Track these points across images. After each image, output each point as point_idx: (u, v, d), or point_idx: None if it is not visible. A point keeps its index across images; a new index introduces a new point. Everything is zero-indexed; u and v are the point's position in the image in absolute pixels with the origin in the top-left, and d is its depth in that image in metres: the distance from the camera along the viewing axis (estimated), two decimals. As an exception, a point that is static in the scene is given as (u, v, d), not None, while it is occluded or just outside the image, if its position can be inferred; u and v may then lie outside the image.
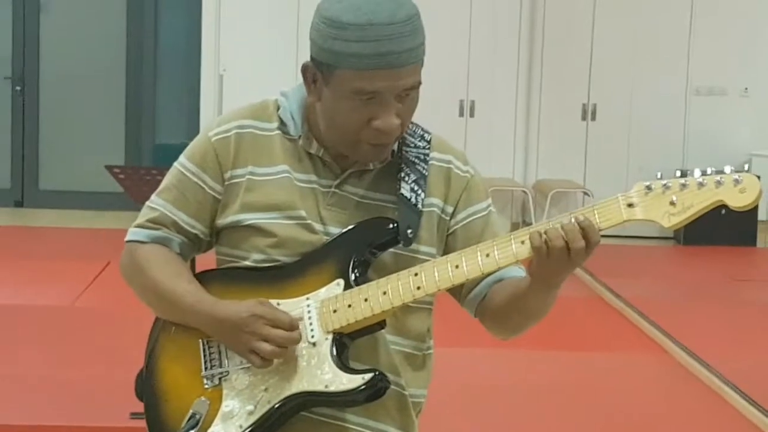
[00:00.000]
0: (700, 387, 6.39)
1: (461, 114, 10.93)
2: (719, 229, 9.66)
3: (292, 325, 2.14)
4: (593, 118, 10.91)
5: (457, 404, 5.59)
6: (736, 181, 2.07)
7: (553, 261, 2.06)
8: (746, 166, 10.56)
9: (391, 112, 2.14)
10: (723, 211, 2.19)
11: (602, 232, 2.09)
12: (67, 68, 11.65)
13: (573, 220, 2.06)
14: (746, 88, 11.03)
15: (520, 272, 2.23)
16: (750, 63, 11.05)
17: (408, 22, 2.12)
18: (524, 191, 10.89)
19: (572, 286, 8.10)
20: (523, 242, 2.12)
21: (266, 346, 2.13)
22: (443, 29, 10.27)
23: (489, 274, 2.20)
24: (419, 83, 2.17)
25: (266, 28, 11.16)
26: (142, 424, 2.33)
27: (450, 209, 2.30)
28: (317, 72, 2.16)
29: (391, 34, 2.09)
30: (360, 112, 2.14)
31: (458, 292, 2.28)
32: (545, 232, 2.06)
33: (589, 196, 10.27)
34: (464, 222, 2.30)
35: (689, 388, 6.41)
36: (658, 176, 2.11)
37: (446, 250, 2.27)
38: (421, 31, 2.15)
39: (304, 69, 2.19)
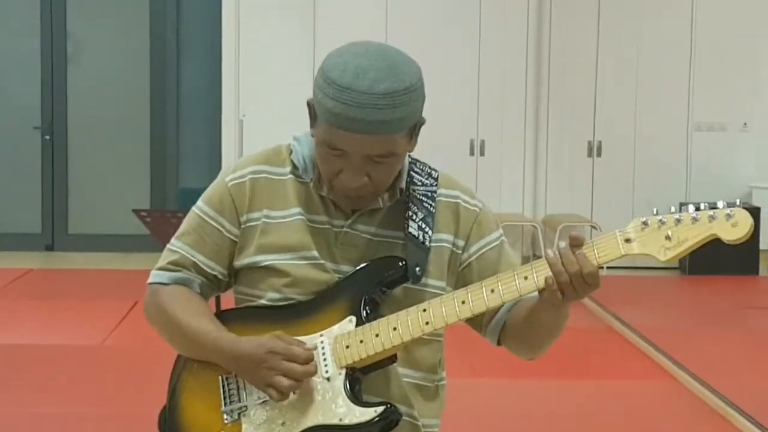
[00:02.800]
0: (710, 413, 6.35)
1: (472, 153, 10.92)
2: (722, 258, 9.64)
3: (307, 359, 2.14)
4: (599, 155, 10.90)
5: (468, 427, 5.58)
6: (728, 216, 2.08)
7: (563, 291, 2.09)
8: (748, 198, 10.59)
9: (355, 172, 2.16)
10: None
11: (603, 265, 2.11)
12: (93, 117, 11.66)
13: (562, 251, 2.09)
14: (745, 124, 11.03)
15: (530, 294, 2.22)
16: (748, 100, 11.04)
17: (387, 95, 2.10)
18: (534, 225, 10.87)
19: (582, 316, 8.15)
20: (526, 278, 2.13)
21: (284, 381, 2.13)
22: (454, 73, 10.30)
23: (495, 309, 2.21)
24: (393, 153, 2.16)
25: (283, 75, 11.17)
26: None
27: (461, 243, 2.31)
28: (312, 111, 2.18)
29: (364, 103, 2.09)
30: (332, 162, 2.17)
31: (478, 323, 2.29)
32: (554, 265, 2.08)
33: (596, 229, 10.24)
34: (478, 254, 2.31)
35: (699, 414, 6.38)
36: (654, 212, 2.12)
37: (464, 282, 2.27)
38: (407, 106, 2.13)
39: (308, 104, 2.21)
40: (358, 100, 2.08)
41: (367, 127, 2.10)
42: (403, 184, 2.28)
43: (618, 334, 8.25)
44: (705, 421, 6.23)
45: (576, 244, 2.09)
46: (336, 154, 2.14)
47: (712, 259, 9.63)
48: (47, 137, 11.66)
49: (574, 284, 2.07)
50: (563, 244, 2.12)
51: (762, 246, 10.01)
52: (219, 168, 10.34)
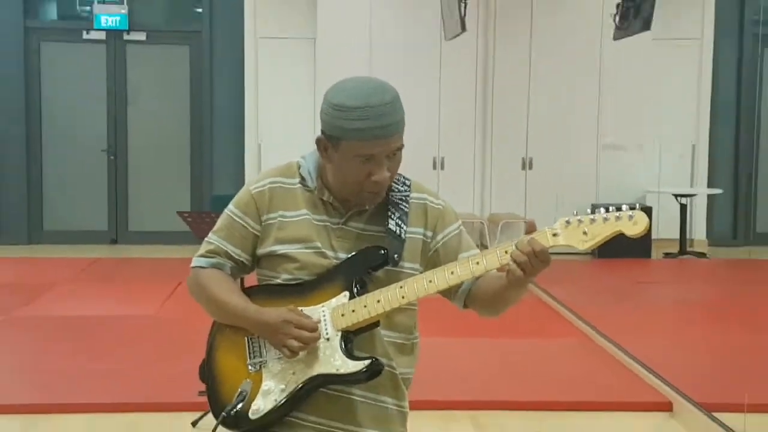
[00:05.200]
0: (612, 360, 6.40)
1: (435, 168, 10.95)
2: (623, 245, 9.65)
3: (313, 328, 2.15)
4: (530, 168, 10.94)
5: (437, 377, 5.58)
6: (630, 217, 2.10)
7: (520, 273, 2.11)
8: (643, 200, 10.64)
9: (383, 169, 2.17)
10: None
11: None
12: (146, 142, 11.69)
13: (515, 246, 2.10)
14: (641, 145, 11.08)
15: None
16: (642, 128, 11.09)
17: (392, 102, 2.14)
18: (481, 222, 10.89)
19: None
20: (478, 263, 2.15)
21: (295, 343, 2.15)
22: (420, 105, 10.30)
23: (454, 286, 2.21)
24: (402, 146, 2.19)
25: (290, 112, 11.24)
26: (205, 399, 2.33)
27: (430, 233, 2.31)
28: (328, 143, 2.18)
29: (382, 113, 2.11)
30: (361, 169, 2.16)
31: (448, 294, 2.29)
32: (519, 251, 2.09)
33: (526, 224, 10.29)
34: (443, 241, 2.31)
35: (604, 361, 6.42)
36: (575, 213, 2.13)
37: (434, 263, 2.27)
38: (402, 108, 2.17)
39: (318, 141, 2.21)
40: (378, 112, 2.11)
41: (388, 130, 2.13)
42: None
43: (545, 304, 8.28)
44: (608, 366, 6.27)
45: (530, 230, 2.12)
46: (365, 160, 2.14)
47: (615, 246, 9.61)
48: (112, 157, 11.66)
49: (531, 262, 2.08)
50: (528, 238, 2.12)
51: (653, 236, 10.05)
52: (243, 180, 10.39)
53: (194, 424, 4.97)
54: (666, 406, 5.50)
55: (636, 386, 5.86)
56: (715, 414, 5.03)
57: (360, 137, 2.12)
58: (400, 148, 2.19)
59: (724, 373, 5.95)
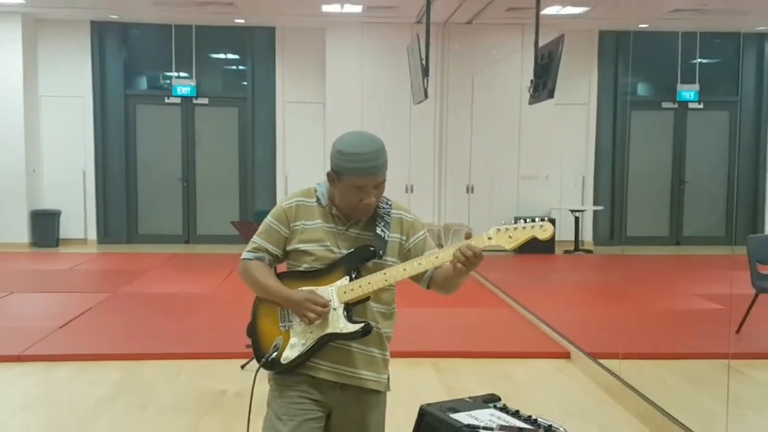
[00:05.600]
0: (530, 325, 6.40)
1: (407, 191, 10.95)
2: (536, 246, 9.65)
3: (325, 304, 2.14)
4: (472, 192, 10.94)
5: (409, 335, 5.59)
6: (541, 225, 2.09)
7: (463, 265, 2.09)
8: (549, 214, 10.66)
9: (371, 196, 2.14)
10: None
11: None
12: (209, 174, 11.65)
13: (465, 246, 2.09)
14: (547, 176, 11.11)
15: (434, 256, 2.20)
16: (548, 163, 11.12)
17: (378, 150, 2.11)
18: (439, 229, 10.89)
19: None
20: (437, 257, 2.14)
21: (312, 315, 2.13)
22: (398, 148, 10.31)
23: (421, 273, 2.21)
24: (385, 179, 2.17)
25: (307, 152, 11.23)
26: (251, 350, 2.33)
27: (405, 238, 2.28)
28: (334, 176, 2.17)
29: (370, 158, 2.09)
30: (356, 195, 2.14)
31: (417, 278, 2.26)
32: (461, 253, 2.06)
33: (470, 232, 10.26)
34: (413, 243, 2.28)
35: (524, 326, 6.42)
36: (503, 223, 2.13)
37: (407, 258, 2.23)
38: (385, 154, 2.14)
39: (328, 174, 2.20)
40: (367, 157, 2.09)
41: (374, 170, 2.10)
42: (374, 209, 2.28)
43: (483, 285, 8.30)
44: (526, 327, 6.27)
45: (468, 236, 2.12)
46: (358, 190, 2.12)
47: (530, 246, 9.61)
48: (185, 183, 11.59)
49: (470, 260, 2.07)
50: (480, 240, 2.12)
51: (556, 239, 10.06)
52: (275, 201, 10.39)
53: (242, 367, 4.97)
54: (566, 355, 5.51)
55: (544, 340, 5.88)
56: (600, 360, 5.05)
57: (354, 174, 2.10)
58: (383, 182, 2.17)
59: (605, 331, 5.98)
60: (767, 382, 4.86)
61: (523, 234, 2.11)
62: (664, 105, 11.42)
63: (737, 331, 5.43)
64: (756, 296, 5.49)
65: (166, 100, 11.56)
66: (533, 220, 2.10)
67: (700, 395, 4.60)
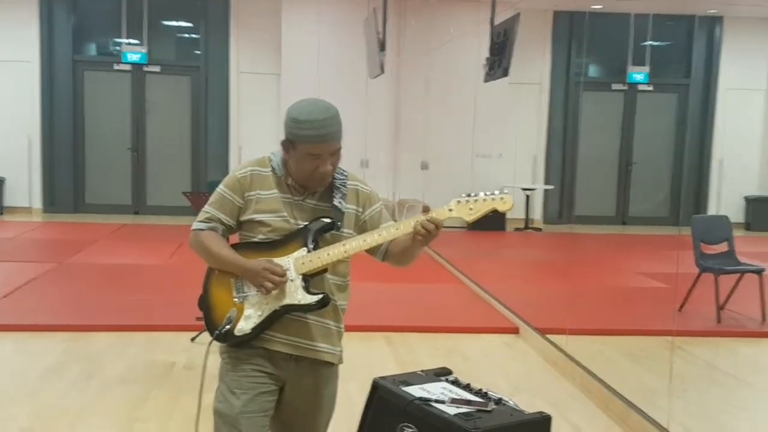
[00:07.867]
0: (479, 299, 6.46)
1: (362, 166, 10.91)
2: (488, 222, 9.74)
3: (282, 274, 2.10)
4: (427, 169, 10.96)
5: (362, 309, 5.60)
6: (502, 198, 2.08)
7: (424, 237, 2.07)
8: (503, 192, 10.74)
9: (327, 164, 2.10)
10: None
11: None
12: (160, 142, 11.44)
13: (427, 218, 2.06)
14: (501, 154, 11.18)
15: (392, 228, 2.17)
16: (502, 142, 11.19)
17: (332, 117, 2.07)
18: (393, 205, 10.90)
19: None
20: (397, 229, 2.12)
21: (269, 285, 2.08)
22: (353, 122, 10.17)
23: (378, 245, 2.18)
24: (340, 147, 2.13)
25: (262, 122, 11.09)
26: (202, 323, 2.28)
27: (361, 209, 2.25)
28: (288, 144, 2.12)
29: (324, 125, 2.05)
30: (311, 164, 2.10)
31: (373, 251, 2.23)
32: (422, 226, 2.04)
33: (428, 206, 10.30)
34: (369, 215, 2.25)
35: (474, 300, 6.48)
36: (463, 195, 2.11)
37: (364, 230, 2.21)
38: (340, 122, 2.09)
39: (282, 143, 2.15)
40: (321, 124, 2.04)
41: (329, 137, 2.06)
42: (330, 179, 2.24)
43: (435, 261, 8.34)
44: (476, 302, 6.33)
45: (425, 210, 2.10)
46: (313, 158, 2.08)
47: (483, 222, 9.69)
48: (135, 153, 11.38)
49: (432, 232, 2.05)
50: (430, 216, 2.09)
51: (507, 216, 10.14)
52: (228, 170, 10.25)
53: (193, 339, 4.89)
54: (514, 330, 5.58)
55: (494, 316, 5.93)
56: (547, 335, 5.12)
57: (309, 141, 2.06)
58: (338, 149, 2.12)
59: (553, 308, 6.07)
60: (708, 359, 5.00)
61: (483, 206, 2.09)
62: (615, 86, 11.58)
63: (680, 309, 5.56)
64: (699, 275, 5.62)
65: (116, 67, 11.27)
66: (493, 193, 2.08)
67: (644, 371, 4.70)
